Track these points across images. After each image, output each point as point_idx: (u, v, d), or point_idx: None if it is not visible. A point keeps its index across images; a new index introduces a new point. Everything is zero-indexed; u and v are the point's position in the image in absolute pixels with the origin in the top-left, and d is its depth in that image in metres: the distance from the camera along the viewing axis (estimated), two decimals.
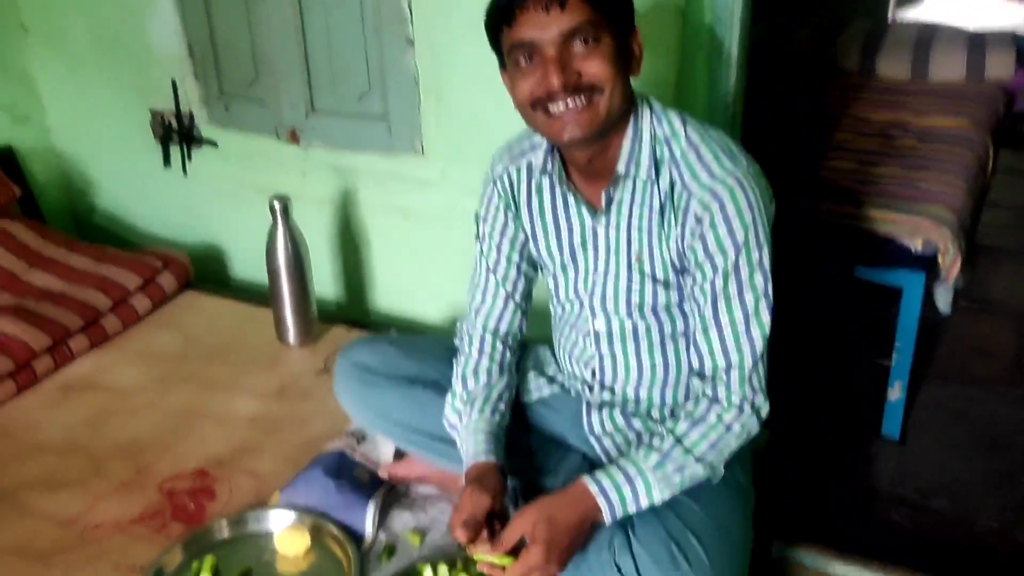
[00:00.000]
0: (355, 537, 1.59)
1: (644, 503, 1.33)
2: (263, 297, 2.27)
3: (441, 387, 1.65)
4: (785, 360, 1.78)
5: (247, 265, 2.63)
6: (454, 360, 1.62)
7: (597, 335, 1.53)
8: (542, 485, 1.57)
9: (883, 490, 2.32)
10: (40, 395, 2.07)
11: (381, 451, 1.75)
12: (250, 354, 2.22)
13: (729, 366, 1.37)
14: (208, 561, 1.53)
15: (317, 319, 2.25)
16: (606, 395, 1.55)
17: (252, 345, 2.25)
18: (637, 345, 1.50)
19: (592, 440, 1.55)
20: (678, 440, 1.35)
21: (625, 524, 1.36)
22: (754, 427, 1.38)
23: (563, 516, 1.29)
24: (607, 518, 1.32)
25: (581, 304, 1.54)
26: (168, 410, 2.00)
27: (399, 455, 1.73)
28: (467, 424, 1.52)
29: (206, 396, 2.05)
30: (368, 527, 1.61)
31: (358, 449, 1.76)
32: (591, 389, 1.58)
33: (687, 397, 1.51)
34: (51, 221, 2.70)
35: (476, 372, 1.58)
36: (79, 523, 1.67)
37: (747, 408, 1.36)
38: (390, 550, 1.59)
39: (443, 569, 1.50)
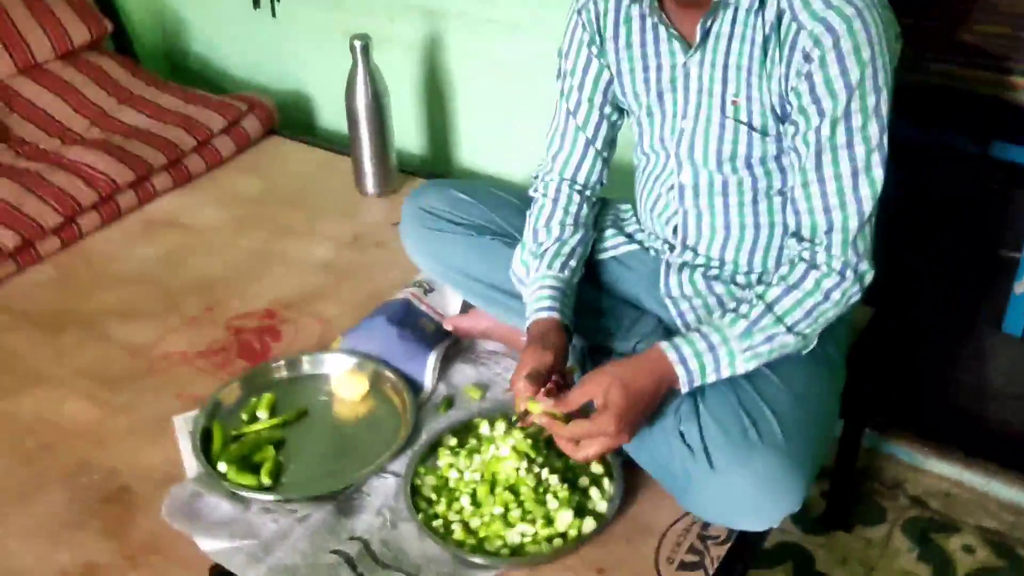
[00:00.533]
0: (414, 387, 1.54)
1: (725, 373, 1.22)
2: (346, 147, 2.19)
3: (510, 238, 1.55)
4: (900, 239, 1.60)
5: (332, 113, 2.55)
6: (528, 211, 1.51)
7: (682, 189, 1.39)
8: (611, 348, 1.47)
9: (996, 388, 2.11)
10: (122, 229, 2.07)
11: (448, 302, 1.68)
12: (328, 202, 2.16)
13: (831, 227, 1.21)
14: (266, 399, 1.51)
15: (396, 169, 2.16)
16: (687, 256, 1.42)
17: (331, 193, 2.19)
18: (726, 202, 1.36)
19: (668, 303, 1.43)
20: (769, 307, 1.21)
21: (694, 389, 1.25)
22: (855, 295, 1.23)
23: (638, 384, 1.19)
24: (684, 387, 1.22)
25: (667, 154, 1.39)
26: (243, 251, 1.98)
27: (466, 308, 1.65)
28: (534, 278, 1.42)
29: (281, 240, 2.02)
30: (428, 378, 1.55)
31: (425, 299, 1.69)
32: (671, 248, 1.45)
33: (779, 263, 1.37)
34: (145, 63, 2.67)
35: (549, 224, 1.47)
36: (149, 352, 1.68)
37: (849, 274, 1.21)
38: (448, 403, 1.53)
39: (500, 425, 1.43)
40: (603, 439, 1.18)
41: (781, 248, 1.36)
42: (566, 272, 1.42)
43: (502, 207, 1.59)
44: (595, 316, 1.49)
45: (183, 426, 1.49)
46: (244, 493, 1.33)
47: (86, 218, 2.04)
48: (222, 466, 1.37)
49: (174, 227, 2.08)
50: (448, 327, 1.64)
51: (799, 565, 1.81)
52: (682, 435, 1.23)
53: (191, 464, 1.40)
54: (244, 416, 1.49)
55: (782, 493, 1.18)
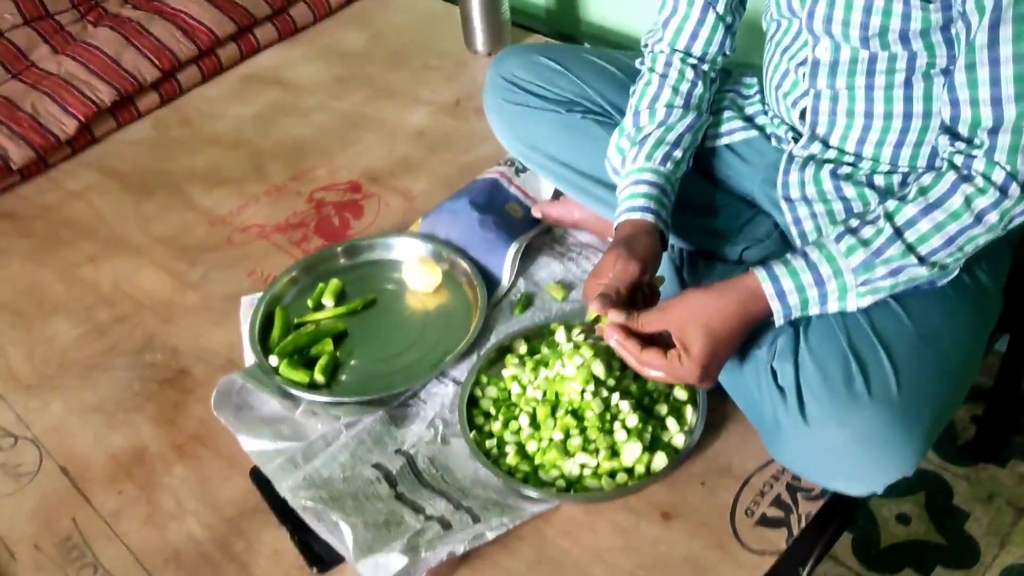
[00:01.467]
0: (491, 281, 1.39)
1: (834, 308, 0.99)
2: None
3: (607, 116, 1.34)
4: None
5: None
6: (631, 87, 1.28)
7: (816, 65, 1.12)
8: (716, 252, 1.26)
9: None
10: (222, 85, 1.98)
11: (541, 185, 1.50)
12: (434, 59, 1.97)
13: (998, 124, 0.93)
14: (333, 285, 1.41)
15: (508, 23, 1.94)
16: (815, 147, 1.16)
17: (438, 49, 2.00)
18: (870, 83, 1.08)
19: (784, 207, 1.18)
20: (898, 232, 0.96)
21: (797, 318, 1.03)
22: (1020, 217, 0.95)
23: (724, 325, 0.99)
24: (779, 322, 1.01)
25: (800, 23, 1.11)
26: (338, 114, 1.85)
27: (559, 193, 1.46)
28: (630, 170, 1.21)
29: (379, 103, 1.87)
30: (506, 272, 1.40)
31: (515, 180, 1.51)
32: (797, 138, 1.19)
33: (928, 167, 1.09)
34: None
35: (654, 105, 1.23)
36: (229, 223, 1.61)
37: (1014, 189, 0.93)
38: (526, 301, 1.37)
39: (577, 333, 1.27)
40: (678, 380, 1.02)
41: (934, 146, 1.08)
42: (668, 165, 1.20)
43: (599, 78, 1.36)
44: (699, 213, 1.28)
45: (248, 309, 1.41)
46: (294, 391, 1.24)
47: (186, 73, 1.96)
48: (274, 359, 1.28)
49: (273, 84, 1.96)
50: (537, 214, 1.46)
51: (933, 497, 1.58)
52: (774, 373, 1.03)
53: (249, 353, 1.33)
54: (310, 303, 1.40)
55: (888, 458, 0.96)
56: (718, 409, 1.15)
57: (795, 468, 1.04)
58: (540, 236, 1.47)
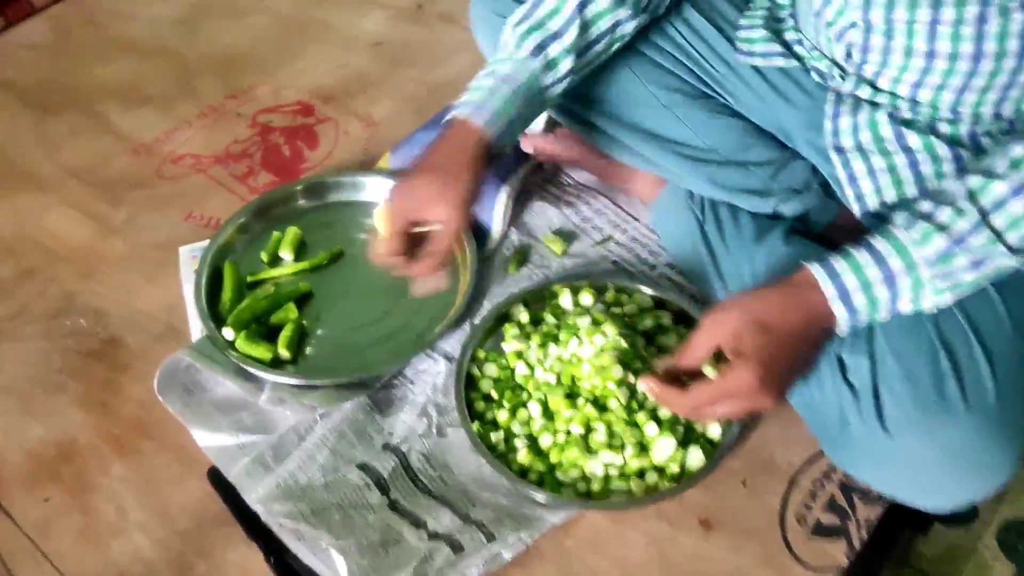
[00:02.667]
0: (479, 233, 1.19)
1: (906, 309, 0.83)
2: None
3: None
4: None
5: None
6: None
7: None
8: (745, 202, 1.09)
9: None
10: None
11: None
12: None
13: None
14: (291, 234, 1.18)
15: None
16: (864, 90, 0.98)
17: None
18: (936, 16, 0.88)
19: (835, 158, 1.01)
20: (983, 215, 0.78)
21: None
22: None
23: (783, 320, 0.81)
24: (843, 328, 0.83)
25: None
26: (278, 18, 1.58)
27: (553, 123, 1.25)
28: (498, 59, 1.01)
29: (326, 5, 1.59)
30: (496, 222, 1.20)
31: None
32: (844, 76, 1.01)
33: (995, 116, 0.92)
34: None
35: None
36: (156, 152, 1.35)
37: None
38: (521, 257, 1.18)
39: (586, 297, 1.09)
40: (738, 400, 0.82)
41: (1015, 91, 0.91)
42: (538, 59, 0.99)
43: None
44: (719, 152, 1.09)
45: (189, 262, 1.18)
46: (255, 371, 1.04)
47: None
48: (229, 332, 1.07)
49: None
50: (528, 148, 1.25)
51: None
52: (842, 365, 0.88)
53: (195, 321, 1.11)
54: (264, 256, 1.17)
55: (981, 472, 0.83)
56: None
57: (864, 477, 0.90)
58: (531, 175, 1.26)
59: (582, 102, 1.13)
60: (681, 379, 0.87)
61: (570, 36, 1.00)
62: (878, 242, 0.81)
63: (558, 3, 1.00)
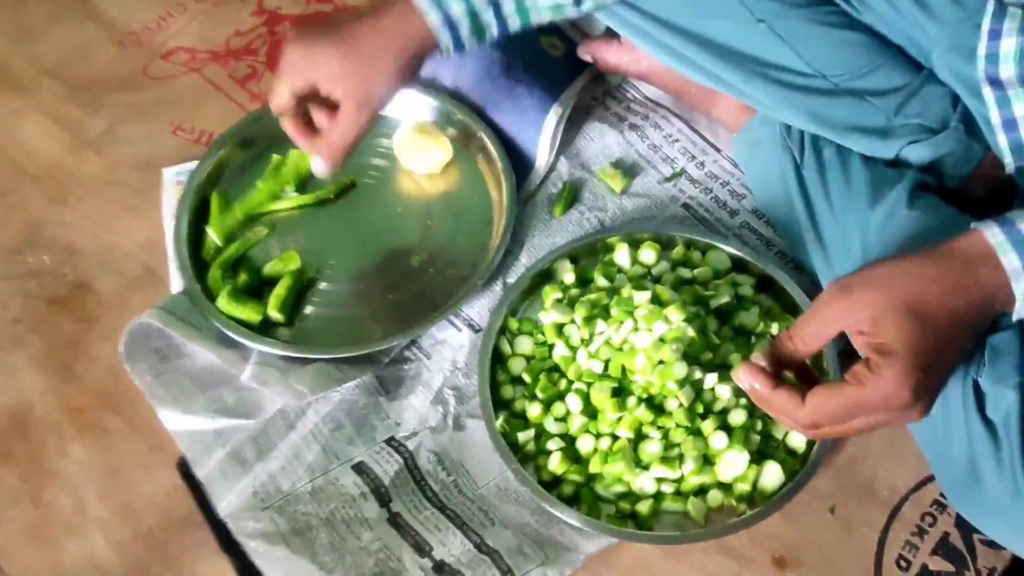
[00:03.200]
0: (520, 159, 0.97)
1: None
2: None
3: None
4: None
5: None
6: None
7: None
8: (859, 143, 0.85)
9: None
10: None
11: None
12: None
13: None
14: (295, 160, 0.98)
15: None
16: None
17: None
18: None
19: (989, 93, 0.73)
20: None
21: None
22: None
23: (940, 305, 0.57)
24: (1020, 313, 0.59)
25: None
26: None
27: (614, 32, 1.00)
28: None
29: None
30: (542, 150, 0.97)
31: None
32: None
33: None
34: None
35: None
36: (145, 44, 1.14)
37: None
38: (571, 195, 0.96)
39: (650, 251, 0.88)
40: (878, 414, 0.59)
41: None
42: None
43: None
44: (827, 77, 0.84)
45: (174, 188, 0.99)
46: (239, 337, 0.86)
47: None
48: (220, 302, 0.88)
49: None
50: (586, 56, 1.01)
51: None
52: (979, 395, 0.66)
53: (176, 265, 0.93)
54: (260, 184, 0.97)
55: None
56: None
57: (1000, 540, 0.70)
58: (587, 88, 1.02)
59: (637, 8, 0.88)
60: (780, 375, 0.62)
61: None
62: None
63: None
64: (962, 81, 0.79)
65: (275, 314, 0.87)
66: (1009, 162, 0.76)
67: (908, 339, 0.57)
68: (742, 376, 0.61)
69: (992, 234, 0.58)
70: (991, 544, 0.74)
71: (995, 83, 0.73)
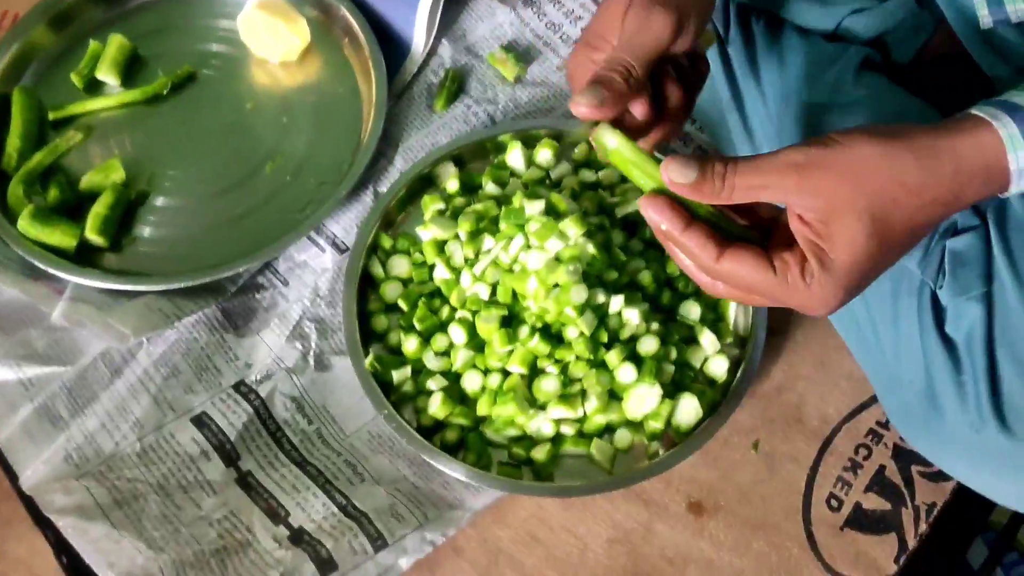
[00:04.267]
0: (393, 44, 0.81)
1: None
2: None
3: None
4: None
5: None
6: None
7: None
8: (793, 12, 0.71)
9: None
10: None
11: None
12: None
13: None
14: (115, 43, 0.80)
15: None
16: None
17: None
18: None
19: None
20: None
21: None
22: None
23: (912, 216, 0.46)
24: (1017, 188, 0.47)
25: None
26: None
27: None
28: None
29: None
30: (419, 31, 0.81)
31: None
32: None
33: None
34: None
35: None
36: None
37: None
38: (453, 85, 0.81)
39: (547, 150, 0.75)
40: (783, 303, 0.49)
41: None
42: None
43: None
44: None
45: None
46: (50, 268, 0.70)
47: None
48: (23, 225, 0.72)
49: None
50: None
51: None
52: (935, 310, 0.55)
53: None
54: (75, 79, 0.80)
55: None
56: (779, 313, 0.69)
57: (961, 478, 0.60)
58: None
59: None
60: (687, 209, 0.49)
61: None
62: None
63: None
64: None
65: (94, 237, 0.72)
66: (985, 14, 0.63)
67: (855, 258, 0.46)
68: (648, 209, 0.49)
69: (1001, 125, 0.46)
70: (932, 477, 0.65)
71: None
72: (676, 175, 0.47)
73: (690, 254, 0.49)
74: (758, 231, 0.50)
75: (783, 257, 0.47)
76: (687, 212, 0.48)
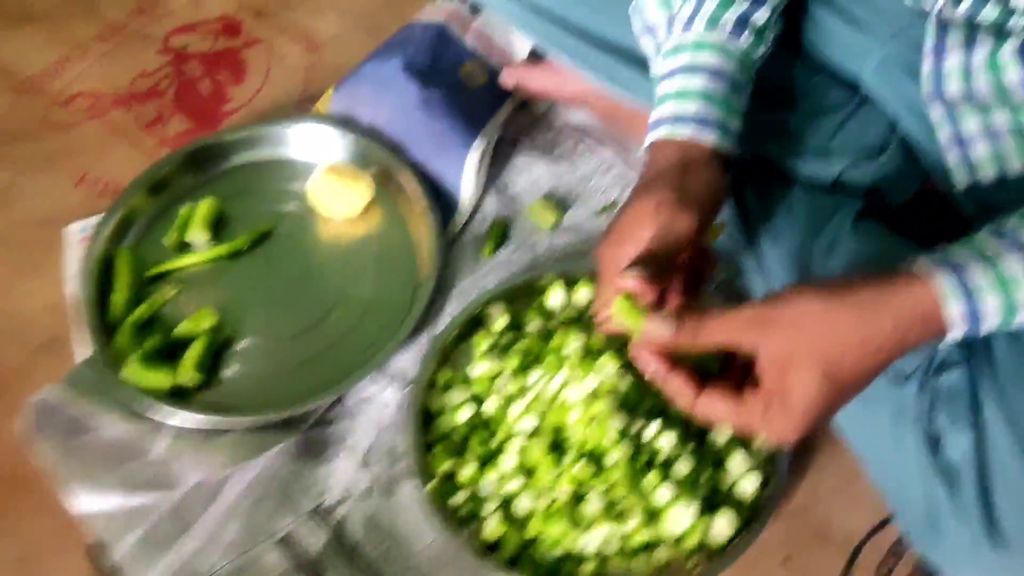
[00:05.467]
0: (443, 198, 0.92)
1: None
2: None
3: None
4: None
5: None
6: None
7: None
8: (796, 167, 0.81)
9: None
10: None
11: (512, 38, 0.99)
12: None
13: None
14: (204, 208, 0.92)
15: None
16: (989, 10, 0.67)
17: None
18: None
19: (936, 110, 0.71)
20: None
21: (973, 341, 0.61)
22: None
23: (859, 366, 0.54)
24: (957, 333, 0.54)
25: None
26: None
27: (539, 54, 0.96)
28: (679, 42, 0.71)
29: None
30: (466, 186, 0.92)
31: (473, 25, 1.00)
32: None
33: None
34: None
35: None
36: (43, 90, 1.08)
37: None
38: (499, 232, 0.91)
39: (586, 289, 0.84)
40: (756, 432, 0.57)
41: None
42: (744, 36, 0.71)
43: None
44: (765, 100, 0.80)
45: (78, 245, 0.93)
46: (151, 409, 0.80)
47: None
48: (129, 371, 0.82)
49: None
50: (509, 83, 0.96)
51: None
52: (931, 439, 0.62)
53: (82, 330, 0.87)
54: (168, 241, 0.92)
55: None
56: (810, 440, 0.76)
57: None
58: (512, 119, 0.98)
59: (568, 22, 0.83)
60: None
61: (773, 5, 0.72)
62: (1011, 223, 0.54)
63: None
64: (902, 100, 0.76)
65: (188, 378, 0.81)
66: (960, 181, 0.73)
67: (809, 402, 0.54)
68: (637, 358, 0.58)
69: (939, 277, 0.54)
70: None
71: (942, 100, 0.70)
72: (655, 332, 0.57)
73: (673, 395, 0.58)
74: (740, 367, 0.58)
75: (751, 395, 0.56)
76: (670, 359, 0.57)
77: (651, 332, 0.57)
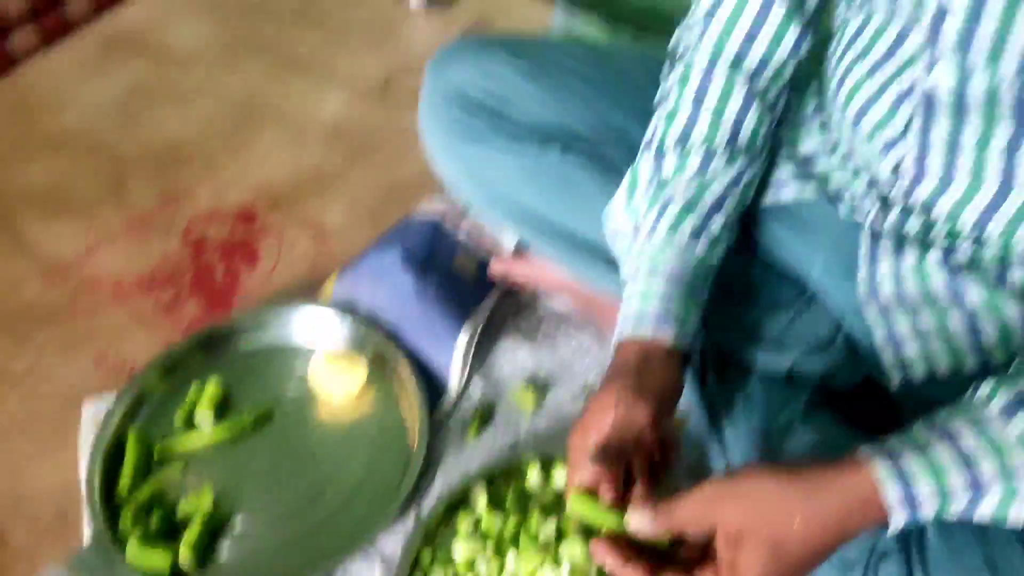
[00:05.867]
0: (433, 381, 0.99)
1: (985, 517, 0.60)
2: None
3: (600, 157, 0.91)
4: None
5: None
6: (656, 105, 0.85)
7: (930, 101, 0.70)
8: (753, 358, 0.87)
9: None
10: (73, 51, 1.49)
11: (500, 233, 1.08)
12: (357, 16, 1.50)
13: None
14: (210, 390, 0.99)
15: None
16: (913, 222, 0.75)
17: (363, 4, 1.53)
18: (1019, 131, 0.67)
19: (873, 313, 0.78)
20: None
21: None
22: None
23: (804, 547, 0.59)
24: (896, 526, 0.59)
25: (909, 29, 0.69)
26: (227, 99, 1.39)
27: (524, 248, 1.04)
28: (644, 248, 0.80)
29: (282, 81, 1.41)
30: (454, 373, 0.99)
31: (465, 220, 1.09)
32: (885, 203, 0.77)
33: None
34: None
35: (685, 143, 0.81)
36: (73, 275, 1.17)
37: None
38: (484, 415, 0.98)
39: (562, 470, 0.89)
40: None
41: None
42: (702, 243, 0.79)
43: (592, 93, 0.92)
44: (724, 295, 0.87)
45: (93, 424, 1.00)
46: None
47: (19, 36, 1.46)
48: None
49: (141, 51, 1.48)
50: (498, 272, 1.05)
51: None
52: None
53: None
54: (177, 420, 0.98)
55: None
56: None
57: None
58: (499, 306, 1.05)
59: (545, 222, 0.92)
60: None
61: (731, 202, 0.81)
62: (966, 436, 0.59)
63: (693, 175, 0.81)
64: (844, 301, 0.83)
65: (185, 562, 0.86)
66: (895, 378, 0.78)
67: (759, 564, 0.59)
68: (595, 552, 0.63)
69: (878, 467, 0.59)
70: None
71: (876, 303, 0.77)
72: (638, 526, 0.62)
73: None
74: (697, 547, 0.62)
75: (705, 572, 0.60)
76: (624, 552, 0.62)
77: (635, 526, 0.62)
